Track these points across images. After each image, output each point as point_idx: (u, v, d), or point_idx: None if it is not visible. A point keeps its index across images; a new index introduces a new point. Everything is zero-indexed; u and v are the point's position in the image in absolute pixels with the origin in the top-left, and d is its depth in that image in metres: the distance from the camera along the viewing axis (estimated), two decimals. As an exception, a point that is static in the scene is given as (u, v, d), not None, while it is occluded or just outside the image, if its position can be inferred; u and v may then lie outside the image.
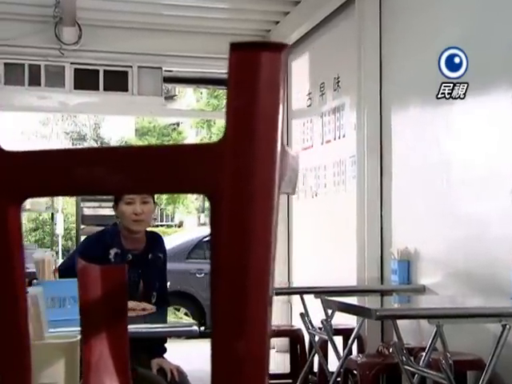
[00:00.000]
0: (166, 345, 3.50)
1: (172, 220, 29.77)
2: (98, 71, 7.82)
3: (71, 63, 7.73)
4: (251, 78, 0.83)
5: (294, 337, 5.63)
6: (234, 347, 0.82)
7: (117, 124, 28.80)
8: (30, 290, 1.35)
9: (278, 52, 0.91)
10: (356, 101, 5.84)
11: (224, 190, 0.82)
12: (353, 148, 5.90)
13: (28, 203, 9.44)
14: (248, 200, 0.82)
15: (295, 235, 7.63)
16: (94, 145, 29.71)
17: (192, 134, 26.63)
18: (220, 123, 22.26)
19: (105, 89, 7.82)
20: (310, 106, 7.17)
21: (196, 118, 22.43)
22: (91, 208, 9.16)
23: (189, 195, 26.44)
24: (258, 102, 0.83)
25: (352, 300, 4.81)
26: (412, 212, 5.23)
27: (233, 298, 0.82)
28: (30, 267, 3.19)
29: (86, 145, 28.62)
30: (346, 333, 5.22)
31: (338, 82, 6.42)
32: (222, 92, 14.84)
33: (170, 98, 28.50)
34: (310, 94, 7.16)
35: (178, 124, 29.26)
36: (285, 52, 0.94)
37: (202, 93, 22.52)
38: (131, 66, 7.92)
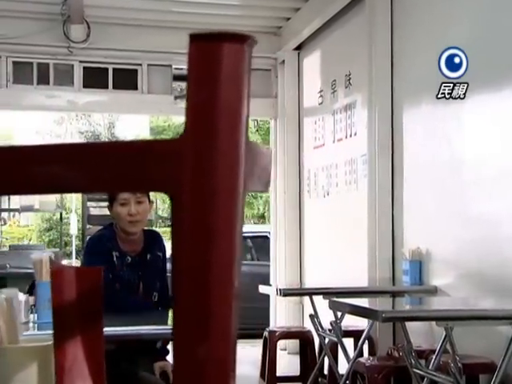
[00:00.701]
0: (168, 347, 3.49)
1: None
2: (107, 69, 7.83)
3: (80, 61, 7.73)
4: (212, 70, 0.80)
5: (304, 339, 5.59)
6: (195, 348, 0.79)
7: (131, 123, 28.86)
8: (4, 292, 1.33)
9: (241, 43, 0.88)
10: (367, 98, 5.80)
11: (184, 188, 0.80)
12: (364, 146, 5.85)
13: (37, 203, 9.51)
14: (210, 198, 0.79)
15: (307, 235, 7.60)
16: (109, 145, 29.70)
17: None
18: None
19: (114, 87, 7.82)
20: (321, 103, 7.14)
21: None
22: (97, 208, 9.13)
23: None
24: (219, 96, 0.80)
25: (363, 301, 4.78)
26: (424, 211, 5.18)
27: (194, 299, 0.80)
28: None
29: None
30: (356, 334, 5.18)
31: (350, 78, 6.38)
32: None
33: (184, 96, 28.59)
34: (321, 91, 7.12)
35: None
36: (249, 43, 0.91)
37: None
38: (141, 64, 7.92)
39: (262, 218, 23.49)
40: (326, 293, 5.03)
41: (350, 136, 6.36)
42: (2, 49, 7.53)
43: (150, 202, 3.54)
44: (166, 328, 3.11)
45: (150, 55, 7.88)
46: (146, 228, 3.55)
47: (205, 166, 0.81)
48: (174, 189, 0.82)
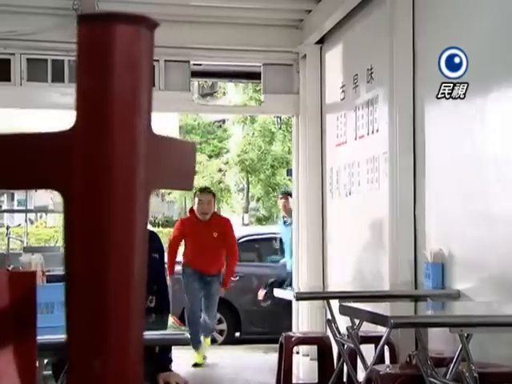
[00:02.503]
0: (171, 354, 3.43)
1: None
2: (123, 66, 7.80)
3: (95, 58, 7.72)
4: (103, 55, 0.75)
5: (322, 344, 5.51)
6: (90, 361, 0.74)
7: (160, 121, 28.88)
8: None
9: (138, 25, 0.82)
10: (388, 93, 5.71)
11: (75, 185, 0.74)
12: (386, 143, 5.77)
13: (50, 204, 9.53)
14: (103, 197, 0.74)
15: (330, 237, 7.52)
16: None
17: (237, 131, 26.56)
18: (261, 119, 22.18)
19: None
20: (343, 99, 7.05)
21: (237, 114, 22.38)
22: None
23: (234, 193, 26.44)
24: (112, 84, 0.74)
25: (384, 306, 4.70)
26: (446, 212, 5.08)
27: (88, 309, 0.75)
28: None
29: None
30: (377, 340, 5.08)
31: (372, 73, 6.29)
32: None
33: (209, 94, 28.54)
34: (343, 86, 7.04)
35: (223, 121, 29.25)
36: (148, 26, 0.86)
37: (248, 87, 22.42)
38: (158, 60, 7.90)
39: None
40: (343, 297, 4.95)
41: (372, 133, 6.27)
42: (16, 45, 7.57)
43: None
44: (167, 333, 3.06)
45: (167, 51, 7.84)
46: None
47: (97, 161, 0.76)
48: (64, 186, 0.77)
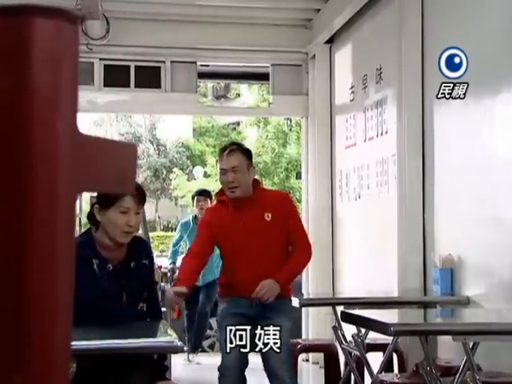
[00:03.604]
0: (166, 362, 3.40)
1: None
2: (128, 67, 7.82)
3: (100, 59, 7.74)
4: (21, 50, 0.72)
5: (328, 352, 5.47)
6: (9, 380, 0.72)
7: (174, 124, 28.92)
8: None
9: (59, 19, 0.79)
10: (396, 94, 5.66)
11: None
12: (395, 145, 5.72)
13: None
14: (23, 196, 0.70)
15: (339, 242, 7.47)
16: (150, 146, 30.03)
17: (251, 133, 26.50)
18: (275, 121, 22.13)
19: (136, 86, 7.80)
20: (352, 100, 7.01)
21: (250, 117, 22.35)
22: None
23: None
24: (30, 80, 0.71)
25: (393, 313, 4.64)
26: (456, 215, 5.03)
27: (5, 320, 0.71)
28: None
29: (141, 147, 28.91)
30: (385, 348, 5.03)
31: (381, 73, 6.24)
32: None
33: (223, 96, 28.54)
34: (352, 87, 7.00)
35: (238, 123, 29.23)
36: (69, 19, 0.82)
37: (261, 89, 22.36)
38: (164, 61, 7.89)
39: None
40: (349, 303, 4.91)
41: (381, 134, 6.22)
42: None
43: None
44: (160, 341, 3.03)
45: (174, 51, 7.84)
46: None
47: (11, 163, 0.72)
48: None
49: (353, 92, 7.00)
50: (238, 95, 28.03)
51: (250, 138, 25.72)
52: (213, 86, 28.29)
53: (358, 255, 6.80)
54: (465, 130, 4.95)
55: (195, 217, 8.05)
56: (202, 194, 8.14)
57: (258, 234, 4.35)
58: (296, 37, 7.87)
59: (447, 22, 5.21)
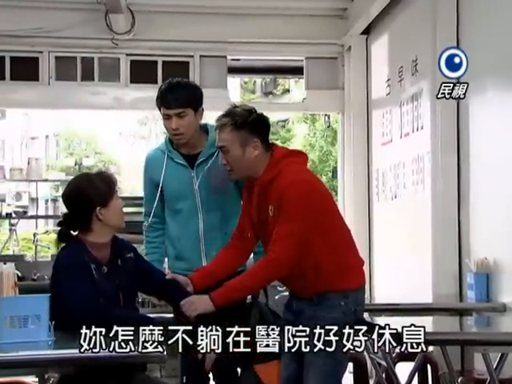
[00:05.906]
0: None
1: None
2: (156, 62, 7.79)
3: (127, 54, 7.73)
4: None
5: (356, 360, 5.34)
6: None
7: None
8: None
9: None
10: (431, 87, 5.51)
11: None
12: (429, 142, 5.59)
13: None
14: None
15: (377, 244, 7.33)
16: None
17: (300, 131, 26.34)
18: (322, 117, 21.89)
19: (164, 81, 7.74)
20: (389, 94, 6.87)
21: (298, 114, 22.17)
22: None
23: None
24: None
25: (427, 320, 4.51)
26: (492, 217, 4.89)
27: None
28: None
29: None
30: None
31: (416, 64, 6.09)
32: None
33: (270, 93, 28.45)
34: (388, 80, 6.86)
35: (286, 121, 29.08)
36: None
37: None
38: (193, 56, 7.83)
39: None
40: (379, 309, 4.79)
41: (417, 130, 6.07)
42: (44, 43, 7.60)
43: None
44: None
45: (203, 45, 7.78)
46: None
47: None
48: None
49: (389, 85, 6.86)
50: (288, 91, 27.90)
51: (299, 135, 25.55)
52: (261, 81, 28.19)
53: (395, 258, 6.66)
54: (502, 126, 4.80)
55: None
56: None
57: (263, 231, 3.52)
58: (331, 28, 7.74)
59: (486, 10, 5.05)
